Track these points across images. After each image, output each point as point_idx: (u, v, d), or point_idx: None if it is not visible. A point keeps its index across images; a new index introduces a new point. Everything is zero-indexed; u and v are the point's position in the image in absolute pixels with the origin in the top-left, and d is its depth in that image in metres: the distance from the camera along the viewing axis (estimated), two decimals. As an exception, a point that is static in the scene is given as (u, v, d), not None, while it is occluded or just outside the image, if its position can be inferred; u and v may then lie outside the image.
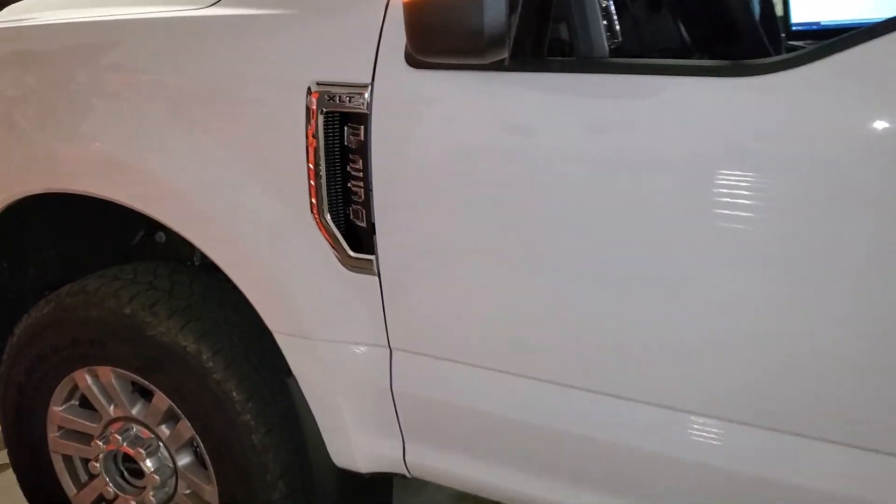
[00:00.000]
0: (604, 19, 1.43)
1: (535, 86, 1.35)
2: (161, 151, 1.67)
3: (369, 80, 1.44)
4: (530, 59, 1.37)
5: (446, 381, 1.56)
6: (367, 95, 1.45)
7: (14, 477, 2.17)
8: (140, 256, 2.18)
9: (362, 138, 1.47)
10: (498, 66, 1.32)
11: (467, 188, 1.42)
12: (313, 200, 1.53)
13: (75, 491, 2.10)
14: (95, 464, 2.01)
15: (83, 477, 2.10)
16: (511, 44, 1.25)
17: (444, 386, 1.56)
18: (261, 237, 1.62)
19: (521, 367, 1.48)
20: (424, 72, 1.40)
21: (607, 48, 1.41)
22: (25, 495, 2.16)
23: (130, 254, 2.21)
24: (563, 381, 1.44)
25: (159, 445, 1.94)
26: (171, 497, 1.97)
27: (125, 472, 2.03)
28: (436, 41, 1.24)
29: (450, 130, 1.43)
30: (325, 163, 1.51)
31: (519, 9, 1.31)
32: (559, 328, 1.42)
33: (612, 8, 1.50)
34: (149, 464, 1.94)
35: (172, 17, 1.69)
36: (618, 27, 1.51)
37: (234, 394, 1.77)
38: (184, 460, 1.93)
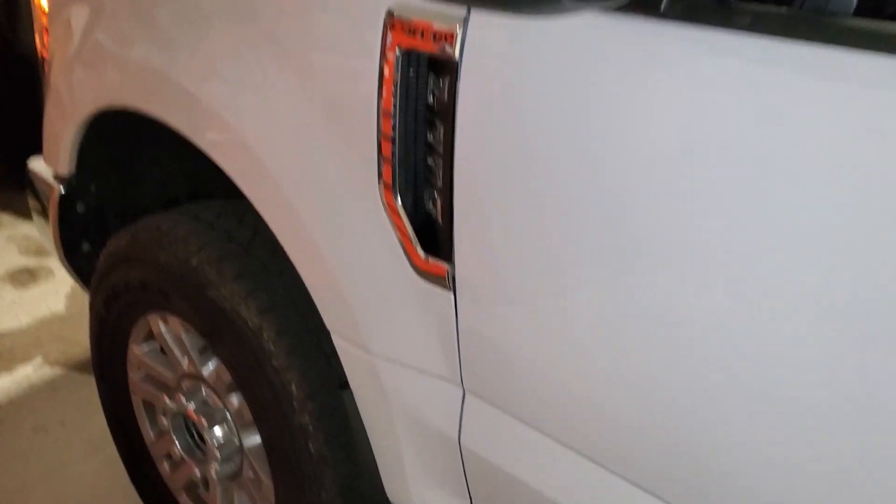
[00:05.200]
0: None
1: (715, 51, 0.80)
2: (221, 80, 1.29)
3: (464, 14, 0.96)
4: (708, 4, 0.81)
5: (527, 456, 1.09)
6: (458, 34, 0.96)
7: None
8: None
9: (447, 97, 1.00)
10: (652, 11, 0.79)
11: (589, 186, 0.92)
12: (383, 175, 1.09)
13: (153, 438, 1.88)
14: (164, 419, 1.76)
15: (164, 427, 1.86)
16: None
17: (522, 462, 1.10)
18: (319, 211, 1.21)
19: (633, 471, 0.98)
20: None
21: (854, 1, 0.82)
22: (109, 428, 1.99)
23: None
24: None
25: (226, 416, 1.65)
26: (237, 475, 1.69)
27: (195, 436, 1.77)
28: None
29: (565, 94, 0.91)
30: (401, 127, 1.05)
31: None
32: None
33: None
34: (212, 434, 1.66)
35: None
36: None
37: (294, 387, 1.42)
38: (250, 441, 1.62)
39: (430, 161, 1.06)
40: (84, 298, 2.89)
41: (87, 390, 2.54)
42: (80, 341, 2.83)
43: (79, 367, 2.71)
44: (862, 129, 0.73)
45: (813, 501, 0.85)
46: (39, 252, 3.38)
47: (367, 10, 1.07)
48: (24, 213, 3.54)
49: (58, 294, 3.12)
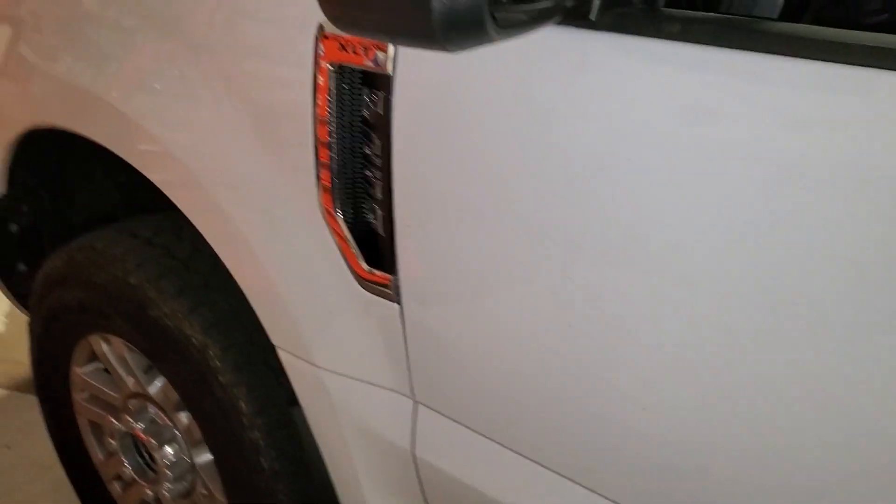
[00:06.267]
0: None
1: (647, 57, 0.80)
2: (147, 94, 1.26)
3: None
4: (639, 13, 0.81)
5: (483, 465, 1.09)
6: (390, 48, 0.95)
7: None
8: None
9: (382, 110, 0.99)
10: (582, 20, 0.79)
11: (528, 192, 0.92)
12: (323, 186, 1.08)
13: (102, 459, 1.84)
14: (111, 440, 1.73)
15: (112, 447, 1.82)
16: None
17: (478, 471, 1.10)
18: (255, 222, 1.20)
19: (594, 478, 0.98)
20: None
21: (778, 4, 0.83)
22: (56, 450, 1.94)
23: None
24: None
25: (176, 435, 1.62)
26: (189, 493, 1.66)
27: (145, 455, 1.73)
28: (355, 8, 0.68)
29: (500, 104, 0.91)
30: (339, 139, 1.04)
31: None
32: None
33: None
34: (162, 453, 1.63)
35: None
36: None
37: (242, 404, 1.40)
38: (201, 459, 1.59)
39: (368, 172, 1.05)
40: (23, 318, 2.81)
41: (31, 411, 2.46)
42: (21, 361, 2.73)
43: (21, 386, 2.64)
44: (787, 127, 0.74)
45: None
46: (-27, 271, 3.28)
47: (296, 21, 1.05)
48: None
49: (-5, 314, 3.03)
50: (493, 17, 0.61)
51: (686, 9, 0.86)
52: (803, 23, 0.86)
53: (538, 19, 0.69)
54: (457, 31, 0.60)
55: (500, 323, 1.00)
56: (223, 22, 1.17)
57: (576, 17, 0.79)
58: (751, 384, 0.82)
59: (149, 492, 1.72)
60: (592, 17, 0.80)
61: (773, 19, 0.97)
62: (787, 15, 0.96)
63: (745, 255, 0.78)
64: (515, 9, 0.65)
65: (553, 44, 0.84)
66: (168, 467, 1.62)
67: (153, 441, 1.62)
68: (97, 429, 1.82)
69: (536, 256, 0.93)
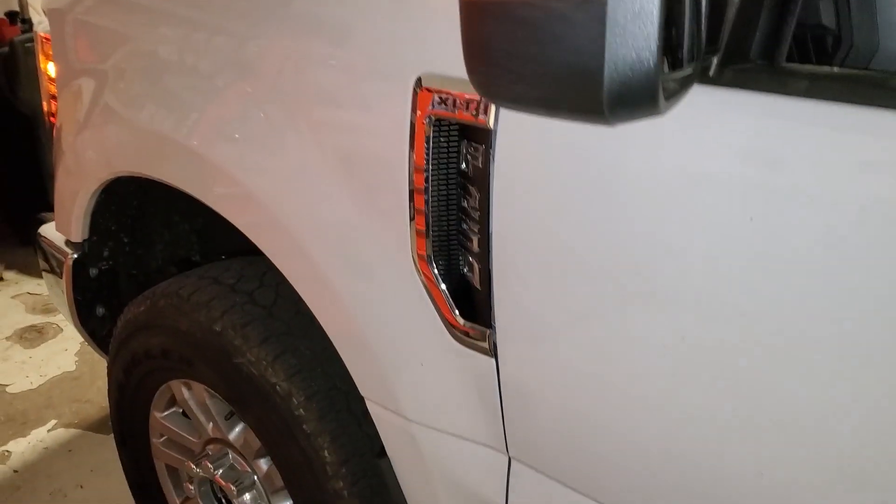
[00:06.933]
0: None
1: (768, 114, 0.78)
2: (230, 140, 1.27)
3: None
4: (759, 68, 0.79)
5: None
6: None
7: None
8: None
9: (481, 163, 0.98)
10: (701, 76, 0.78)
11: (628, 249, 0.89)
12: (418, 231, 1.07)
13: (178, 503, 1.84)
14: (189, 486, 1.73)
15: (190, 492, 1.83)
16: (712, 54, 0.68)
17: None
18: (342, 267, 1.19)
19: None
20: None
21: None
22: (133, 494, 1.95)
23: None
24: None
25: (255, 481, 1.61)
26: (269, 542, 1.65)
27: (223, 501, 1.73)
28: (508, 80, 0.65)
29: (606, 161, 0.89)
30: (433, 191, 1.03)
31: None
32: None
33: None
34: (242, 501, 1.62)
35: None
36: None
37: (326, 453, 1.39)
38: (281, 506, 1.58)
39: (464, 225, 1.04)
40: (94, 356, 2.86)
41: (104, 450, 2.51)
42: (93, 399, 2.79)
43: (93, 426, 2.67)
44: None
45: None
46: (46, 309, 3.35)
47: (395, 73, 1.05)
48: (29, 271, 3.52)
49: (67, 352, 3.08)
50: (664, 90, 0.59)
51: (800, 61, 0.84)
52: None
53: (687, 85, 0.67)
54: (625, 106, 0.58)
55: (600, 380, 0.98)
56: (312, 70, 1.18)
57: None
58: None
59: (227, 538, 1.71)
60: (711, 73, 0.78)
61: None
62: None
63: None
64: (671, 78, 0.63)
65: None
66: (247, 513, 1.62)
67: (232, 487, 1.62)
68: (174, 473, 1.83)
69: (642, 313, 0.90)
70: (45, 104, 1.89)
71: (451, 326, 1.10)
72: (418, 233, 1.07)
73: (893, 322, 0.75)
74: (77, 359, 3.04)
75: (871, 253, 0.74)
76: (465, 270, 1.07)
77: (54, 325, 3.25)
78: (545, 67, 0.60)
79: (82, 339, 2.01)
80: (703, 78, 0.78)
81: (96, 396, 2.80)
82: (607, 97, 0.58)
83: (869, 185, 0.73)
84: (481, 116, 0.95)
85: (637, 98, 0.58)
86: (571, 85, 0.59)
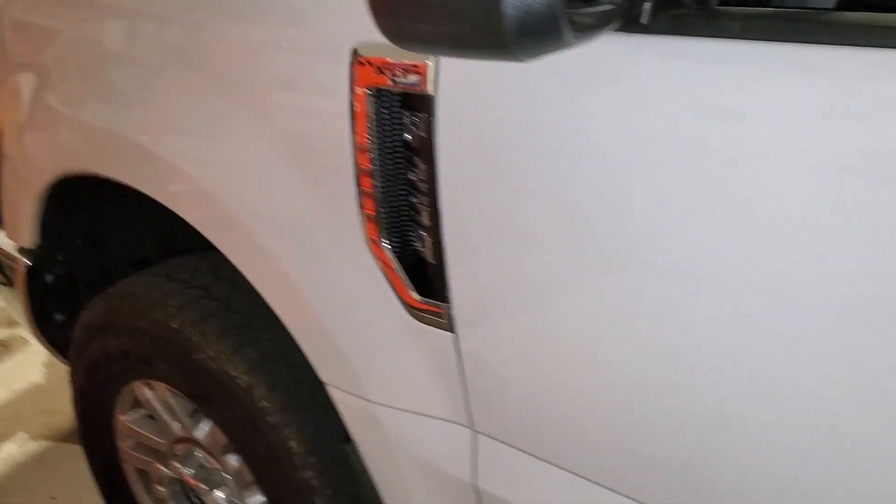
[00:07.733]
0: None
1: (706, 58, 0.76)
2: (177, 132, 1.24)
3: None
4: (693, 14, 0.78)
5: (549, 493, 1.05)
6: (431, 66, 0.92)
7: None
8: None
9: (425, 133, 0.95)
10: (634, 25, 0.76)
11: (585, 208, 0.88)
12: (367, 215, 1.04)
13: (152, 507, 1.81)
14: (160, 487, 1.70)
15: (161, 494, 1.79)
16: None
17: (545, 500, 1.05)
18: (296, 256, 1.16)
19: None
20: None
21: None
22: (104, 500, 1.91)
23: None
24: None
25: (225, 478, 1.59)
26: (243, 539, 1.62)
27: (194, 500, 1.70)
28: (413, 20, 0.63)
29: (551, 117, 0.87)
30: (381, 166, 1.01)
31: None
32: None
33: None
34: (213, 498, 1.60)
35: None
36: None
37: (293, 444, 1.36)
38: (253, 501, 1.56)
39: (413, 199, 1.02)
40: (62, 368, 2.80)
41: (76, 460, 2.44)
42: (63, 410, 2.73)
43: (64, 437, 2.62)
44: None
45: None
46: (10, 322, 3.27)
47: (329, 48, 1.02)
48: (-11, 284, 3.44)
49: (34, 364, 3.02)
50: (570, 21, 0.57)
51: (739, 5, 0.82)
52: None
53: (605, 22, 0.65)
54: (531, 38, 0.56)
55: (562, 346, 0.96)
56: (249, 54, 1.15)
57: (627, 22, 0.76)
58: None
59: (201, 537, 1.68)
60: (644, 20, 0.76)
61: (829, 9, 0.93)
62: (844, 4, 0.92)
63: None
64: (583, 12, 0.61)
65: (604, 52, 0.80)
66: (218, 511, 1.59)
67: (202, 486, 1.59)
68: (144, 476, 1.80)
69: (599, 276, 0.88)
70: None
71: (408, 305, 1.08)
72: (368, 217, 1.05)
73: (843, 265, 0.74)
74: (45, 370, 2.98)
75: (816, 192, 0.73)
76: (418, 246, 1.05)
77: (19, 338, 3.18)
78: (446, 2, 0.58)
79: (50, 351, 1.97)
80: (637, 27, 0.76)
81: (66, 406, 2.72)
82: (509, 29, 0.56)
83: (813, 125, 0.72)
84: (420, 84, 0.93)
85: (540, 30, 0.56)
86: (474, 19, 0.57)
